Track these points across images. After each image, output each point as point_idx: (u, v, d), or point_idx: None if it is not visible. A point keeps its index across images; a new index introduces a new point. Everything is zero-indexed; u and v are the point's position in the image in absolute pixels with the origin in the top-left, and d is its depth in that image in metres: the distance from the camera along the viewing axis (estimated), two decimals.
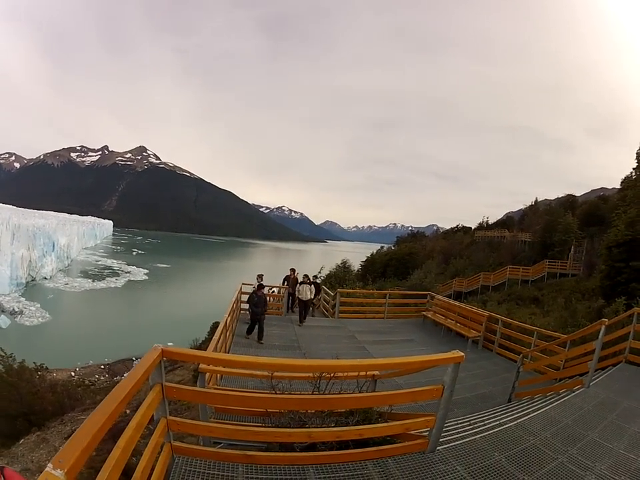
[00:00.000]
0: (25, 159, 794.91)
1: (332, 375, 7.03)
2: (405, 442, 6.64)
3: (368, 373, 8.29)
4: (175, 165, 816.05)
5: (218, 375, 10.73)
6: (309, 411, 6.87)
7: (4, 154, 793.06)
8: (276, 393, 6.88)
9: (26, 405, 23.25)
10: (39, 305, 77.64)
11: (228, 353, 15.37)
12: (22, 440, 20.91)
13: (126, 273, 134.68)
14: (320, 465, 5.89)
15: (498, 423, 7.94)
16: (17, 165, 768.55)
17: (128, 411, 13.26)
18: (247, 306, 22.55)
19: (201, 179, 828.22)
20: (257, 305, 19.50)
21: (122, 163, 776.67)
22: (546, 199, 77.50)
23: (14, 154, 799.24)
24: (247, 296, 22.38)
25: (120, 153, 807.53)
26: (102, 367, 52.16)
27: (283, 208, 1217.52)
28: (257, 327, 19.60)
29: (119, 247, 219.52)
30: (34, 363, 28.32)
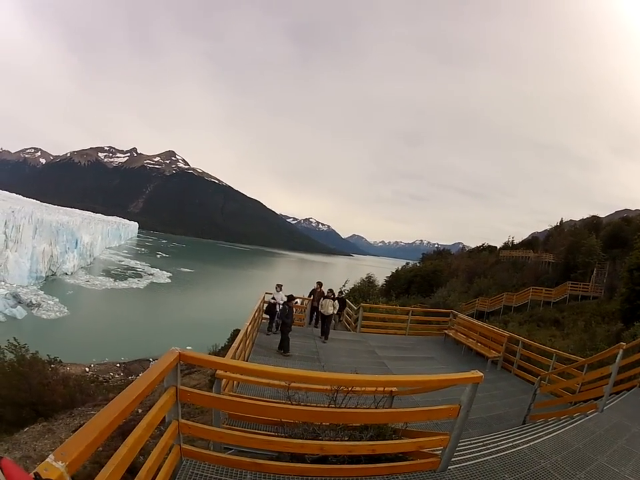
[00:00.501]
0: (51, 155, 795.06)
1: (349, 389, 6.92)
2: (417, 460, 6.58)
3: (386, 388, 8.23)
4: (203, 171, 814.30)
5: (234, 382, 10.71)
6: (323, 424, 6.81)
7: (29, 149, 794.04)
8: (292, 404, 6.81)
9: (35, 395, 23.42)
10: (57, 300, 78.64)
11: (247, 361, 15.23)
12: (27, 428, 21.02)
13: (149, 274, 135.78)
14: (329, 478, 5.88)
15: (511, 444, 7.87)
16: (43, 161, 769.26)
17: (140, 410, 13.31)
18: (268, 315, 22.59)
19: (229, 186, 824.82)
20: (288, 317, 19.27)
21: (150, 165, 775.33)
22: (571, 220, 76.99)
23: (40, 149, 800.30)
24: (268, 305, 22.34)
25: (148, 155, 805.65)
26: (117, 365, 52.40)
27: (311, 220, 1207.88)
28: (278, 336, 19.41)
29: (143, 249, 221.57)
30: (47, 355, 28.69)
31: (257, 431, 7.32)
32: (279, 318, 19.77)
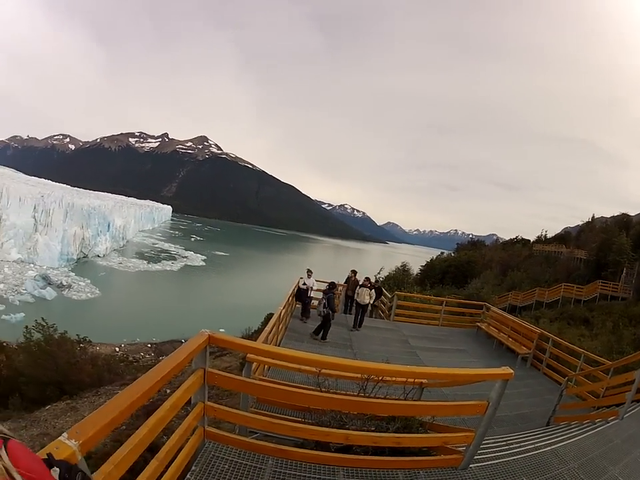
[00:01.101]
0: (80, 141, 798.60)
1: (379, 378, 6.92)
2: (441, 455, 6.56)
3: (416, 380, 8.07)
4: (236, 156, 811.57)
5: (265, 366, 10.70)
6: (351, 412, 6.78)
7: (58, 135, 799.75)
8: (321, 391, 6.72)
9: (61, 374, 23.71)
10: (89, 281, 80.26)
11: (279, 345, 15.20)
12: (48, 406, 21.16)
13: (183, 257, 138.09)
14: (351, 468, 5.86)
15: (533, 446, 7.83)
16: (72, 147, 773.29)
17: (168, 391, 13.36)
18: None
19: (263, 171, 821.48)
20: (332, 305, 19.33)
21: (182, 150, 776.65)
22: (602, 216, 75.48)
23: (68, 136, 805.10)
24: (298, 290, 22.04)
25: (180, 141, 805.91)
26: (149, 345, 53.15)
27: (346, 206, 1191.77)
28: (312, 323, 19.52)
29: (177, 232, 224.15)
30: (77, 335, 28.82)
31: (283, 416, 7.31)
32: (325, 308, 19.14)
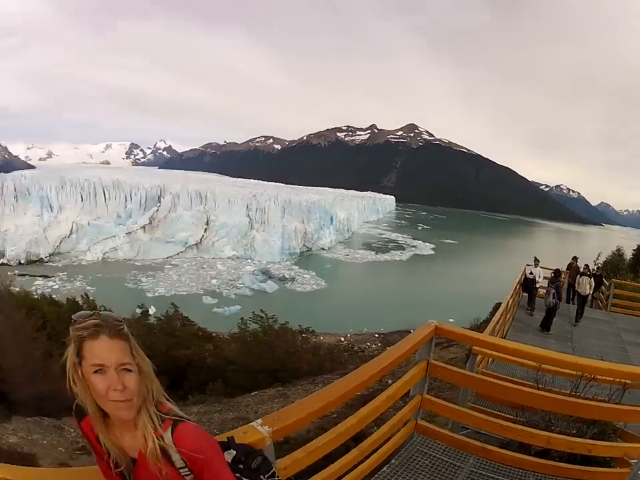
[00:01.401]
0: (285, 140, 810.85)
1: (592, 376, 6.54)
2: (617, 467, 6.06)
3: (622, 380, 7.29)
4: (450, 142, 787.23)
5: (489, 358, 10.31)
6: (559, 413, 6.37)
7: (259, 137, 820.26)
8: (538, 388, 6.55)
9: (278, 363, 24.17)
10: (313, 273, 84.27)
11: (505, 337, 14.83)
12: (254, 392, 21.41)
13: (411, 246, 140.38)
14: (541, 475, 5.65)
15: None
16: (278, 147, 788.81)
17: (390, 381, 13.97)
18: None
19: (478, 154, 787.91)
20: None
21: (394, 140, 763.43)
22: None
23: (271, 137, 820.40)
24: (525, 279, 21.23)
25: (390, 130, 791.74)
26: (376, 335, 53.50)
27: (561, 186, 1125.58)
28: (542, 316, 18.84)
29: (402, 222, 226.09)
30: (299, 325, 29.51)
31: (496, 413, 7.06)
32: (554, 298, 18.34)
